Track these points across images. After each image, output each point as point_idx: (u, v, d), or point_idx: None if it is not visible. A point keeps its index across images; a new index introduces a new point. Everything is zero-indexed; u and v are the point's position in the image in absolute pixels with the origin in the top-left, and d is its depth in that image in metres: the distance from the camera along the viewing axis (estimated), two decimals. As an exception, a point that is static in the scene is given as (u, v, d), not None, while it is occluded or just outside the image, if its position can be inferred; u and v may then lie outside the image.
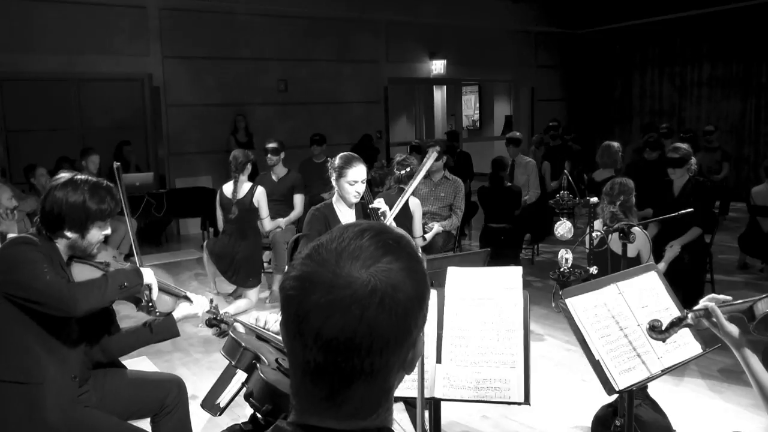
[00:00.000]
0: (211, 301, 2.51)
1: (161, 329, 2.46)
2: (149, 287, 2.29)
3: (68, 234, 2.19)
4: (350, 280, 0.80)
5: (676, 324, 1.80)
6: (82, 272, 2.27)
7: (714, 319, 1.73)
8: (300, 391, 0.86)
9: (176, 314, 2.48)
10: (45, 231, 2.20)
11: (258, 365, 1.45)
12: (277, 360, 1.53)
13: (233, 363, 1.50)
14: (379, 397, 0.85)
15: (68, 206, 2.15)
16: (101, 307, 2.17)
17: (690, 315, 1.79)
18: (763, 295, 1.70)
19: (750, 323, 1.69)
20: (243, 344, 1.51)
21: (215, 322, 2.21)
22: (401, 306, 0.81)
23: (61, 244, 2.22)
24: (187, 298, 2.53)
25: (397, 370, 0.86)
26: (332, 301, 0.79)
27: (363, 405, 0.84)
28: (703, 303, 1.78)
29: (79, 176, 2.24)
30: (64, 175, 2.25)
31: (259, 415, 1.36)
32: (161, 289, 2.50)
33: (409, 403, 2.95)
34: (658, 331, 1.82)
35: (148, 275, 2.29)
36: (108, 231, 2.28)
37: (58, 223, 2.17)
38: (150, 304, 2.27)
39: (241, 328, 1.92)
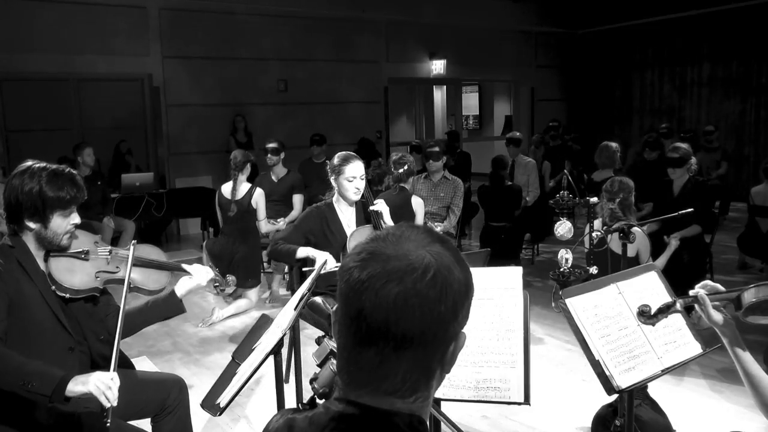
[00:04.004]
0: (212, 268, 2.50)
1: (164, 308, 2.40)
2: (91, 396, 1.91)
3: (29, 224, 2.09)
4: (407, 254, 0.88)
5: (664, 310, 1.83)
6: (59, 266, 2.19)
7: (702, 307, 1.77)
8: (348, 364, 0.91)
9: (179, 291, 2.41)
10: (10, 223, 2.12)
11: (331, 359, 1.68)
12: None
13: (317, 363, 1.72)
14: (420, 379, 0.90)
15: (24, 194, 2.06)
16: None
17: (679, 302, 1.82)
18: (750, 285, 1.73)
19: (738, 312, 1.73)
20: (331, 347, 1.74)
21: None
22: (451, 286, 0.88)
23: (29, 238, 2.14)
24: (184, 271, 2.47)
25: (440, 356, 0.90)
26: (390, 270, 0.87)
27: (404, 381, 0.89)
28: (694, 291, 1.81)
29: (38, 164, 2.13)
30: (26, 163, 2.15)
31: (317, 398, 1.54)
32: (152, 268, 2.42)
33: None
34: (647, 316, 1.85)
35: (92, 383, 1.90)
36: (77, 220, 2.17)
37: (17, 212, 2.08)
38: (104, 413, 1.91)
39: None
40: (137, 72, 8.87)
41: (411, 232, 0.93)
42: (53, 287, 2.16)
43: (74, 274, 2.21)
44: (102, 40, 8.36)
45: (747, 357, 1.75)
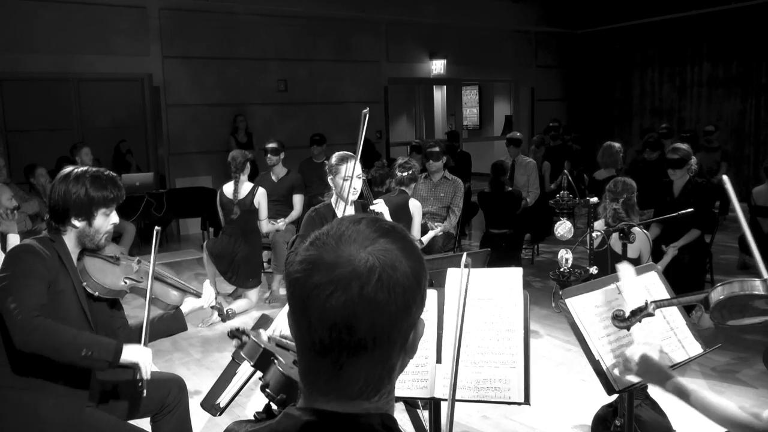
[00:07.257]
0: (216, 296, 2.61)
1: (170, 323, 2.50)
2: (137, 367, 2.19)
3: (75, 223, 2.23)
4: (350, 259, 0.84)
5: (637, 313, 1.87)
6: (94, 265, 2.31)
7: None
8: (308, 373, 0.89)
9: (184, 308, 2.53)
10: (54, 223, 2.24)
11: (275, 361, 1.55)
12: (294, 361, 1.59)
13: (252, 363, 1.60)
14: (382, 377, 0.89)
15: (72, 196, 2.20)
16: (49, 356, 2.06)
17: (651, 305, 1.86)
18: (717, 285, 1.75)
19: (707, 312, 1.75)
20: (263, 346, 1.62)
21: (237, 333, 2.22)
22: (399, 284, 0.85)
23: (70, 237, 2.26)
24: (195, 294, 2.59)
25: (399, 349, 0.89)
26: (333, 279, 0.83)
27: (367, 384, 0.88)
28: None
29: (81, 168, 2.29)
30: (68, 168, 2.30)
31: (273, 404, 1.45)
32: (168, 284, 2.54)
33: (410, 404, 2.96)
34: (620, 319, 1.89)
35: (140, 355, 2.19)
36: (116, 220, 2.32)
37: (64, 213, 2.22)
38: (140, 382, 2.18)
39: (264, 336, 1.92)
40: (137, 72, 8.86)
41: (351, 229, 0.88)
42: (84, 283, 2.26)
43: (106, 275, 2.33)
44: (102, 40, 8.35)
45: (706, 397, 1.61)
